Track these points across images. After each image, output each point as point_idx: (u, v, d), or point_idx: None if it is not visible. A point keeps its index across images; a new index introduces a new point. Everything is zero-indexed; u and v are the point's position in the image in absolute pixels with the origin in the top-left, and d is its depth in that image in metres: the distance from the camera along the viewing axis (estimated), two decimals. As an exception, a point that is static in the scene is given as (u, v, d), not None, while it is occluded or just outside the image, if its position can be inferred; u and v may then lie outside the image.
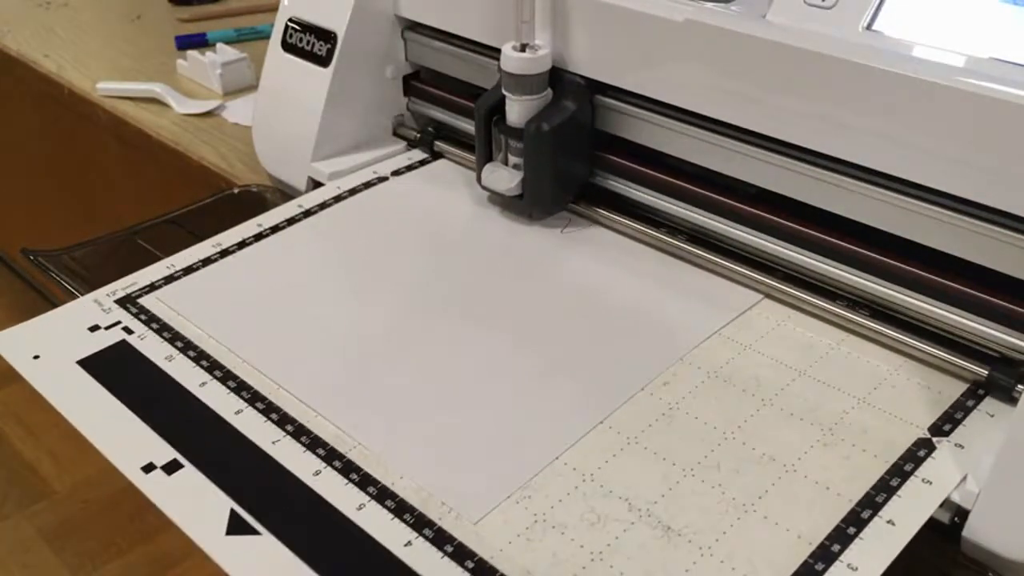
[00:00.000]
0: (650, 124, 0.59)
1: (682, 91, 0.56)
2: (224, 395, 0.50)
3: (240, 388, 0.50)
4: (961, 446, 0.45)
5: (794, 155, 0.52)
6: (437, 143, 0.71)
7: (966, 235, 0.48)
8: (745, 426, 0.47)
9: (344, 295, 0.58)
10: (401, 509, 0.43)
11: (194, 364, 0.52)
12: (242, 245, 0.62)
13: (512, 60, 0.59)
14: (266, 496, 0.44)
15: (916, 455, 0.44)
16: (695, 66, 0.54)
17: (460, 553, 0.41)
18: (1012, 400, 0.46)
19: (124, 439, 0.48)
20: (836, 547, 0.40)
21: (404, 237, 0.63)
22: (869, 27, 0.49)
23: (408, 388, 0.50)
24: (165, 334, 0.55)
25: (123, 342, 0.54)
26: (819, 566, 0.40)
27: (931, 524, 0.41)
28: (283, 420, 0.48)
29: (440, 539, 0.42)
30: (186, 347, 0.53)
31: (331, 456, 0.46)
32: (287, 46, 0.71)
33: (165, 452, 0.47)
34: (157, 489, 0.45)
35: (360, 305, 0.57)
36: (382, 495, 0.44)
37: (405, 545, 0.42)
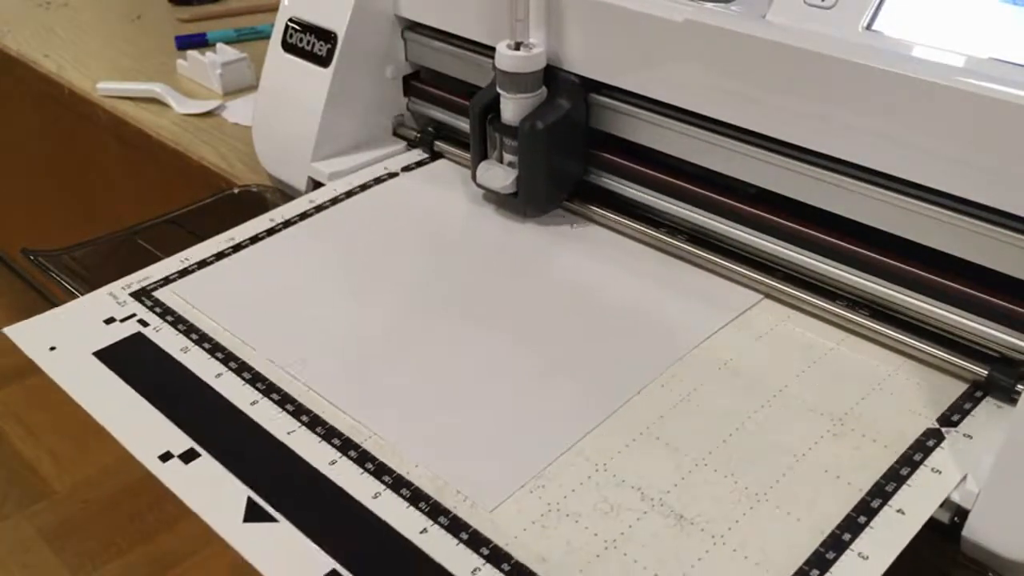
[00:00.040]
0: (645, 122, 0.59)
1: (682, 91, 0.56)
2: (239, 386, 0.50)
3: (255, 379, 0.51)
4: (969, 436, 0.45)
5: (794, 155, 0.52)
6: (437, 143, 0.71)
7: (966, 235, 0.48)
8: (755, 417, 0.47)
9: (353, 290, 0.59)
10: (416, 497, 0.44)
11: (209, 356, 0.53)
12: (255, 240, 0.63)
13: (507, 58, 0.59)
14: (282, 484, 0.45)
15: (925, 445, 0.45)
16: (695, 66, 0.54)
17: (475, 540, 0.42)
18: (1012, 400, 0.47)
19: (141, 428, 0.48)
20: (847, 536, 0.41)
21: (409, 234, 0.64)
22: (869, 27, 0.49)
23: (419, 382, 0.51)
24: (180, 326, 0.55)
25: (138, 334, 0.55)
26: (830, 554, 0.40)
27: (931, 524, 0.42)
28: (298, 411, 0.49)
29: (455, 526, 0.42)
30: (201, 339, 0.54)
31: (346, 446, 0.47)
32: (287, 46, 0.71)
33: (182, 441, 0.47)
34: (175, 477, 0.45)
35: (368, 301, 0.57)
36: (397, 484, 0.44)
37: (421, 532, 0.42)
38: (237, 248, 0.62)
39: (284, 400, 0.49)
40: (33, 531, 1.29)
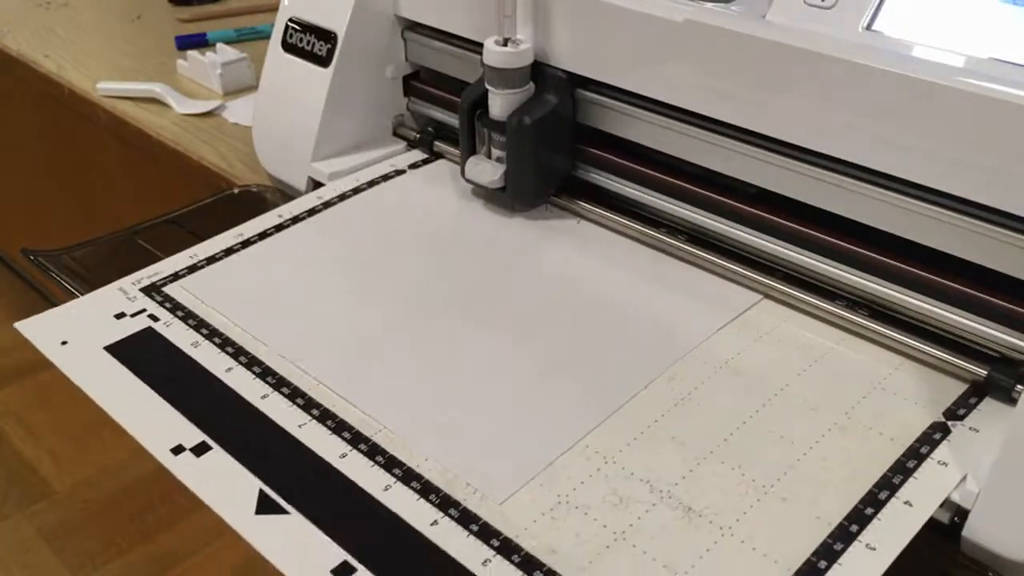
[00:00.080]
0: (633, 119, 0.60)
1: (681, 90, 0.56)
2: (250, 380, 0.51)
3: (265, 374, 0.51)
4: (976, 430, 0.45)
5: (794, 155, 0.52)
6: (437, 143, 0.71)
7: (966, 235, 0.48)
8: (758, 414, 0.47)
9: (362, 286, 0.59)
10: (427, 490, 0.44)
11: (219, 350, 0.53)
12: (263, 236, 0.63)
13: (494, 54, 0.60)
14: (293, 477, 0.45)
15: (931, 438, 0.45)
16: (694, 66, 0.54)
17: (486, 532, 0.42)
18: (1012, 400, 0.47)
19: (153, 422, 0.48)
20: (855, 527, 0.41)
21: (414, 232, 0.64)
22: (869, 27, 0.49)
23: (429, 376, 0.51)
24: (190, 321, 0.55)
25: (149, 329, 0.55)
26: (838, 546, 0.40)
27: (931, 524, 0.42)
28: (308, 405, 0.49)
29: (466, 519, 0.43)
30: (211, 334, 0.54)
31: (357, 439, 0.47)
32: (287, 46, 0.71)
33: (193, 435, 0.47)
34: (187, 470, 0.46)
35: (376, 297, 0.58)
36: (408, 476, 0.45)
37: (431, 524, 0.42)
38: (246, 244, 0.63)
39: (294, 394, 0.50)
40: (33, 531, 1.29)
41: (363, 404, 0.49)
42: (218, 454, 0.46)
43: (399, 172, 0.70)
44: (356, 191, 0.67)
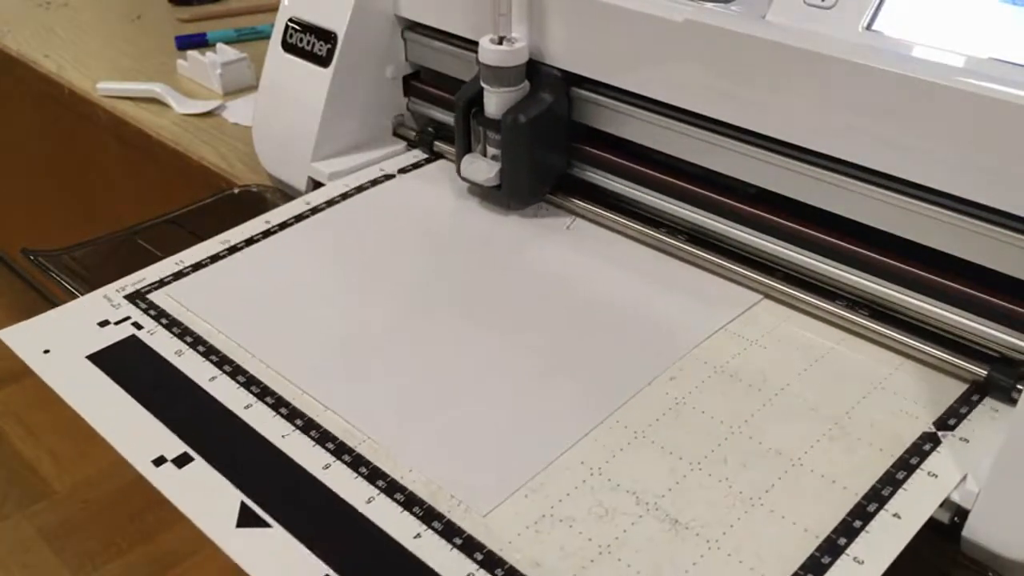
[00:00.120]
0: (628, 117, 0.60)
1: (681, 90, 0.56)
2: (234, 390, 0.50)
3: (249, 383, 0.51)
4: (966, 440, 0.45)
5: (794, 155, 0.52)
6: (437, 143, 0.71)
7: (966, 235, 0.48)
8: (751, 420, 0.47)
9: (349, 292, 0.59)
10: (410, 502, 0.43)
11: (203, 359, 0.52)
12: (250, 242, 0.63)
13: (489, 52, 0.60)
14: (276, 489, 0.45)
15: (921, 449, 0.45)
16: (694, 66, 0.54)
17: (469, 545, 0.41)
18: (1012, 400, 0.46)
19: (134, 432, 0.48)
20: (842, 540, 0.41)
21: (407, 236, 0.63)
22: (869, 27, 0.49)
23: (414, 384, 0.50)
24: (174, 329, 0.55)
25: (132, 337, 0.55)
26: (825, 559, 0.40)
27: (931, 524, 0.41)
28: (292, 415, 0.49)
29: (449, 531, 0.42)
30: (195, 342, 0.54)
31: (340, 450, 0.46)
32: (287, 46, 0.71)
33: (175, 445, 0.47)
34: (168, 482, 0.45)
35: (365, 302, 0.57)
36: (391, 488, 0.44)
37: (414, 537, 0.42)
38: (232, 250, 0.62)
39: (278, 403, 0.49)
40: (33, 531, 1.29)
41: (347, 413, 0.48)
42: (200, 465, 0.46)
43: (388, 176, 0.69)
44: (345, 196, 0.67)
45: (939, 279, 0.50)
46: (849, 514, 0.42)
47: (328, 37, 0.68)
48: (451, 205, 0.66)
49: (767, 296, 0.55)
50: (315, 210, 0.66)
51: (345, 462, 0.46)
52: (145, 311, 0.56)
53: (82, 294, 0.59)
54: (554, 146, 0.63)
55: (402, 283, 0.59)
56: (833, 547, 0.40)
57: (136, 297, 0.58)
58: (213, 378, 0.51)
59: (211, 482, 0.45)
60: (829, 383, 0.49)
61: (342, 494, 0.44)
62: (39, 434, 1.43)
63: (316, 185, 0.70)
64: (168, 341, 0.54)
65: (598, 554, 0.41)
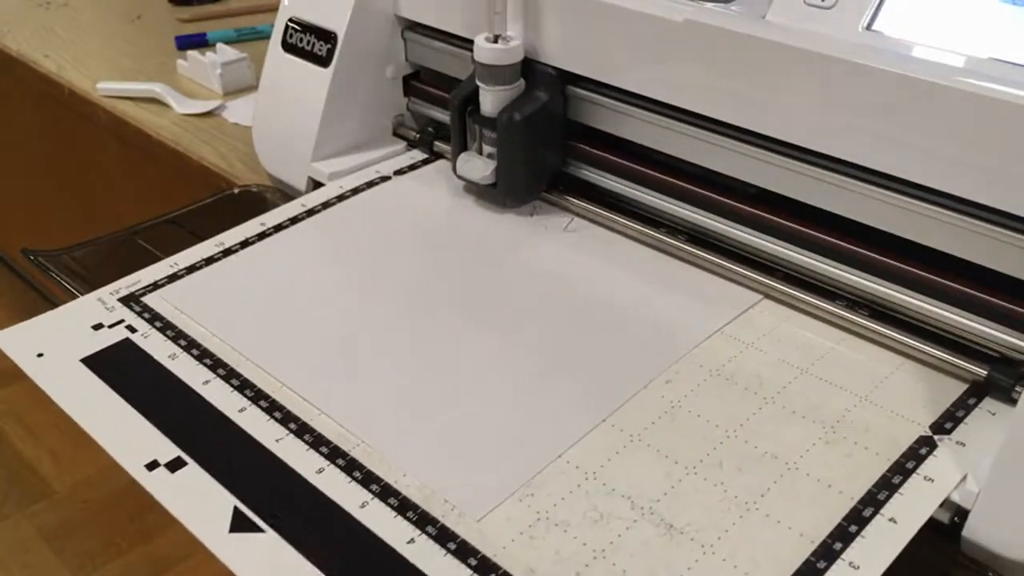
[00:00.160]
0: (624, 116, 0.60)
1: (680, 90, 0.56)
2: (227, 393, 0.50)
3: (243, 386, 0.50)
4: (962, 444, 0.45)
5: (794, 155, 0.52)
6: (437, 143, 0.71)
7: (966, 235, 0.48)
8: (747, 424, 0.47)
9: (345, 294, 0.58)
10: (404, 507, 0.43)
11: (197, 362, 0.52)
12: (245, 244, 0.63)
13: (485, 51, 0.60)
14: (269, 494, 0.44)
15: (918, 453, 0.44)
16: (694, 65, 0.54)
17: (463, 550, 0.41)
18: (1012, 400, 0.46)
19: (127, 437, 0.48)
20: (838, 545, 0.40)
21: (403, 237, 0.63)
22: (869, 27, 0.49)
23: (410, 387, 0.50)
24: (168, 332, 0.55)
25: (126, 340, 0.54)
26: (821, 564, 0.40)
27: (931, 524, 0.41)
28: (286, 418, 0.48)
29: (443, 537, 0.42)
30: (189, 345, 0.54)
31: (334, 454, 0.46)
32: (287, 46, 0.71)
33: (169, 450, 0.47)
34: (161, 487, 0.45)
35: (360, 304, 0.57)
36: (385, 493, 0.44)
37: (408, 543, 0.42)
38: (227, 253, 0.62)
39: (272, 407, 0.49)
40: (33, 531, 1.29)
41: (341, 417, 0.48)
42: (193, 470, 0.46)
43: (384, 178, 0.69)
44: (341, 198, 0.67)
45: (939, 279, 0.50)
46: (845, 519, 0.41)
47: (328, 37, 0.68)
48: (447, 204, 0.66)
49: (767, 296, 0.55)
50: (311, 212, 0.66)
51: (339, 466, 0.45)
52: (139, 314, 0.56)
53: (82, 294, 0.59)
54: (549, 144, 0.63)
55: (397, 284, 0.59)
56: (829, 552, 0.40)
57: (130, 300, 0.58)
58: (207, 382, 0.51)
59: (204, 487, 0.45)
60: (826, 386, 0.49)
61: (336, 499, 0.44)
62: (39, 434, 1.43)
63: (316, 185, 0.70)
64: (162, 344, 0.54)
65: (592, 559, 0.41)
